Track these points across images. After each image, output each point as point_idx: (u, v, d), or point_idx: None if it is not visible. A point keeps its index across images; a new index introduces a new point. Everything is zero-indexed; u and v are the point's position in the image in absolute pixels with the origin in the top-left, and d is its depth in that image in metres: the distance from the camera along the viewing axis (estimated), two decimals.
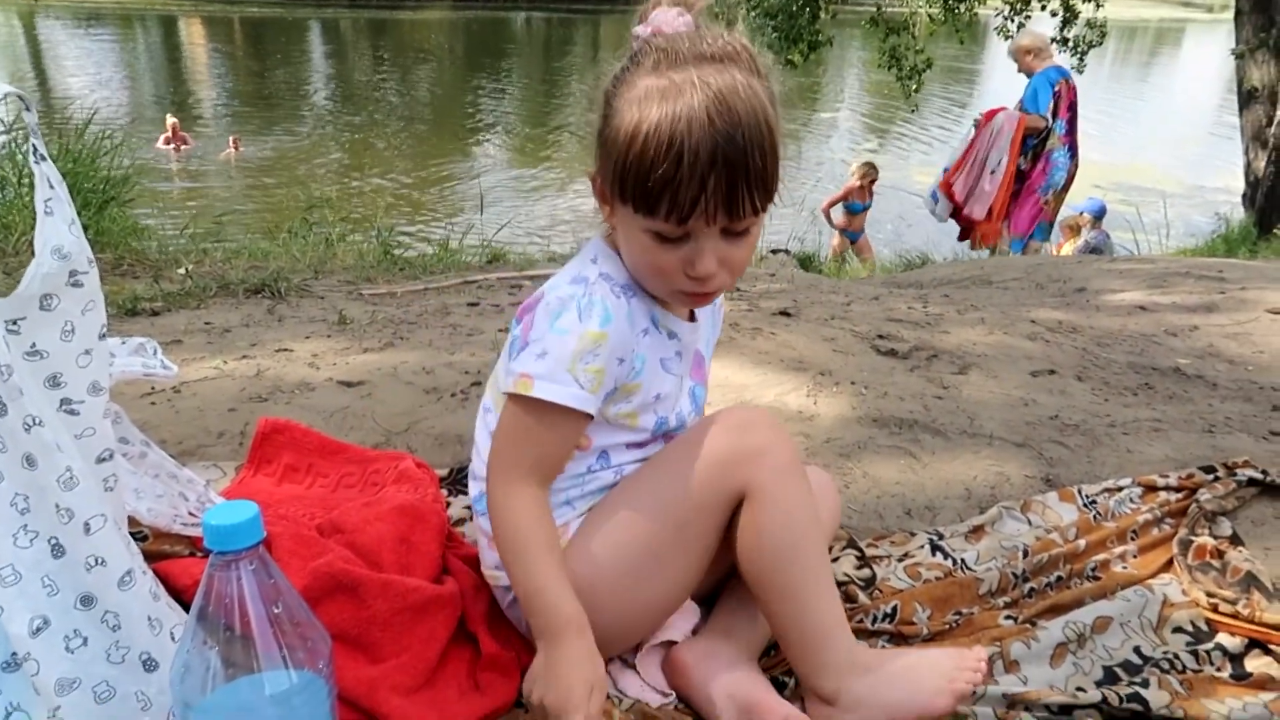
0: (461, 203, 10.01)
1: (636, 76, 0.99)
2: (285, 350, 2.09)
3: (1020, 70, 6.10)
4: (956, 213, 6.24)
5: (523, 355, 1.04)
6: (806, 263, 7.26)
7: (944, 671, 1.08)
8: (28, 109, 0.90)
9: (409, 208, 9.71)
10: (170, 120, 11.33)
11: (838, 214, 7.93)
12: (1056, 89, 5.85)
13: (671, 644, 1.17)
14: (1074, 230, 7.23)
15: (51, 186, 0.90)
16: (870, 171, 7.89)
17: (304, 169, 11.18)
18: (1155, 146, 14.43)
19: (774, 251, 7.77)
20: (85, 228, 3.06)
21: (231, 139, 11.61)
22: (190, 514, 1.27)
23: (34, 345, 0.89)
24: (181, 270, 3.13)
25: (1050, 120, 5.87)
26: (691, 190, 0.95)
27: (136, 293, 2.69)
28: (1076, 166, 6.07)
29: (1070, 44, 10.16)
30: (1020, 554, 1.49)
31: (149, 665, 0.89)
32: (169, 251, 3.53)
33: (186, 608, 0.96)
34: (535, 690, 0.98)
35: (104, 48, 20.53)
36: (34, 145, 0.90)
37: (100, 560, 0.87)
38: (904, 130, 14.53)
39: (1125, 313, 2.88)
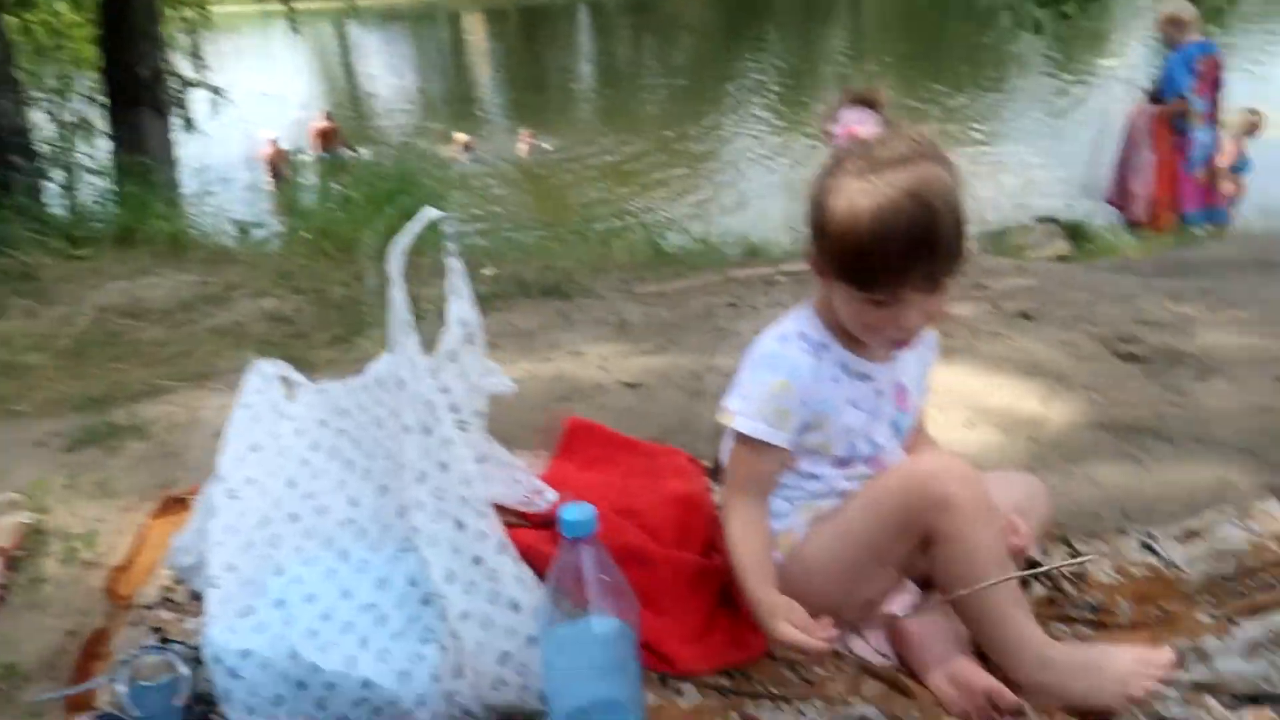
0: (721, 190, 10.32)
1: (843, 181, 1.26)
2: (578, 353, 2.53)
3: (1163, 42, 5.97)
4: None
5: (732, 394, 1.39)
6: (1075, 231, 6.97)
7: (1124, 674, 1.26)
8: (449, 224, 1.32)
9: (674, 195, 10.16)
10: (459, 136, 12.21)
11: (1227, 182, 6.84)
12: (1197, 67, 5.77)
13: (893, 615, 1.45)
14: None
15: (458, 276, 1.32)
16: (1255, 119, 6.87)
17: (579, 160, 11.81)
18: None
19: (1041, 220, 7.47)
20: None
21: (523, 134, 12.36)
22: (524, 496, 1.69)
23: (445, 386, 1.31)
24: (488, 271, 3.68)
25: (1190, 100, 5.82)
26: (899, 272, 1.22)
27: None
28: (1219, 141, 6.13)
29: None
30: (1232, 558, 1.61)
31: (515, 607, 1.28)
32: (473, 253, 4.13)
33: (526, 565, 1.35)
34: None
35: (400, 43, 22.68)
36: (448, 245, 1.33)
37: (485, 534, 1.28)
38: None
39: None
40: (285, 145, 9.51)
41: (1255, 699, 1.33)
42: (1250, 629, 1.43)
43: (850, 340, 1.39)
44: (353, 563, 1.36)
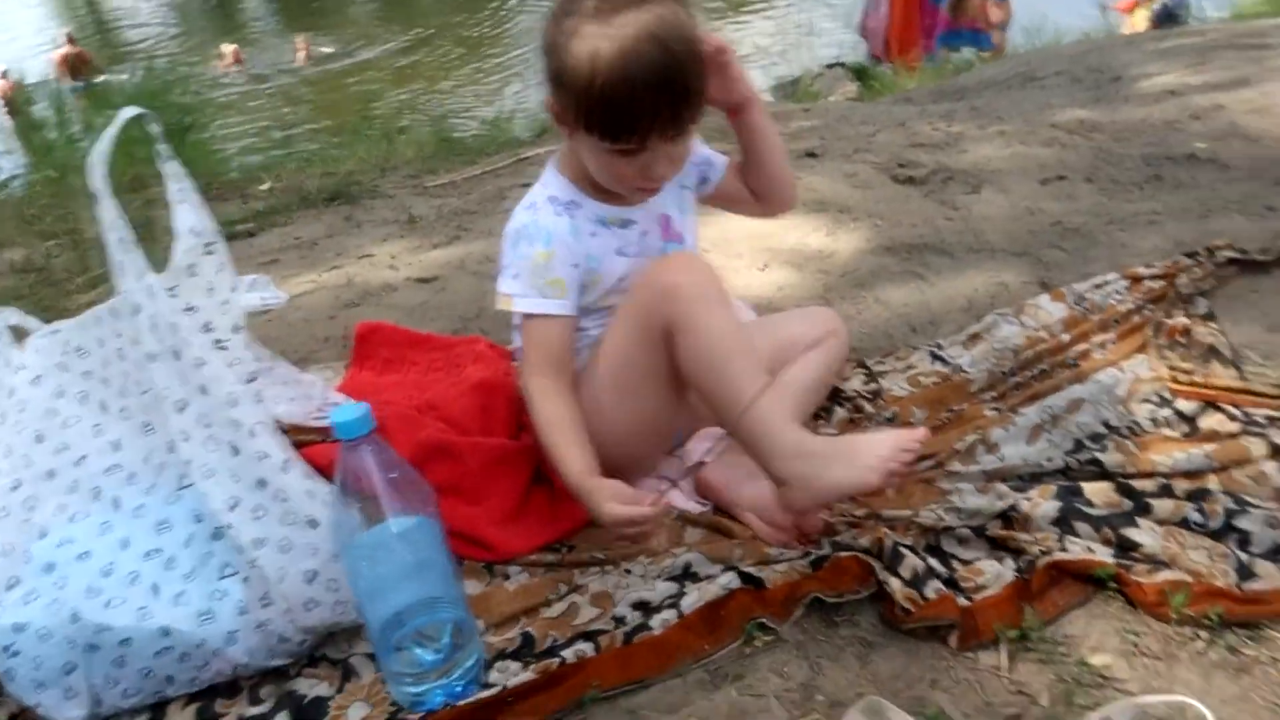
0: (508, 70, 9.99)
1: (580, 24, 1.18)
2: (367, 256, 2.39)
3: None
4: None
5: (502, 277, 1.33)
6: (861, 73, 7.17)
7: (879, 451, 1.22)
8: (154, 123, 1.17)
9: (459, 84, 9.77)
10: (227, 48, 11.33)
11: (995, 10, 7.16)
12: None
13: (699, 463, 1.46)
14: None
15: (179, 181, 1.18)
16: None
17: (362, 61, 11.16)
18: None
19: (830, 66, 7.64)
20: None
21: (298, 40, 11.53)
22: (318, 410, 1.60)
23: (188, 304, 1.19)
24: (265, 186, 3.43)
25: None
26: (644, 117, 1.17)
27: (229, 216, 3.01)
28: None
29: None
30: (1010, 354, 1.71)
31: (312, 524, 1.21)
32: (250, 170, 3.84)
33: (328, 481, 1.28)
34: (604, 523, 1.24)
35: None
36: (159, 150, 1.18)
37: (265, 454, 1.19)
38: None
39: (1153, 100, 2.94)
40: (17, 77, 8.50)
41: (1038, 477, 1.43)
42: (1030, 415, 1.52)
43: (600, 191, 1.35)
44: (126, 510, 1.25)
